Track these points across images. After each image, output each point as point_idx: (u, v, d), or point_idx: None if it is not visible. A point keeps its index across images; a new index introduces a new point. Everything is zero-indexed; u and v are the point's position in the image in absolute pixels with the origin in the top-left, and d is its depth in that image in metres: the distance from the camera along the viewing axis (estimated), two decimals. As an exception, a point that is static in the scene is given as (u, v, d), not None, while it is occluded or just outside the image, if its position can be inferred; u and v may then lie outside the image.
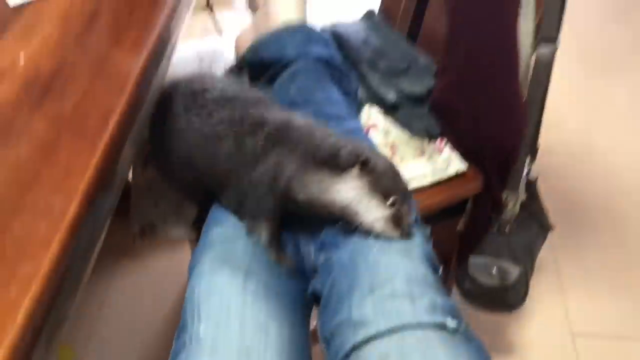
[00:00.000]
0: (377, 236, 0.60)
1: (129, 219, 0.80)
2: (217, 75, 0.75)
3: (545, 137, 0.94)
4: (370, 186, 0.60)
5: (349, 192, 0.60)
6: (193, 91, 0.70)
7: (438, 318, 0.52)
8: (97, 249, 0.50)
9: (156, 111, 0.70)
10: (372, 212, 0.60)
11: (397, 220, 0.60)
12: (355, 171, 0.60)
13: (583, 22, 2.14)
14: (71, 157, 0.47)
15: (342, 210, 0.60)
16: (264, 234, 0.66)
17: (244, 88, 0.72)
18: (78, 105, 0.50)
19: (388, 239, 0.60)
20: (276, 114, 0.67)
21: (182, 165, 0.72)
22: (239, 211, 0.68)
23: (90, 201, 0.46)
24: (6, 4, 0.61)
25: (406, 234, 0.60)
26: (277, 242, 0.67)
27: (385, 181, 0.60)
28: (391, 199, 0.60)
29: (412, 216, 0.62)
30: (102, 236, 0.51)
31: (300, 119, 0.67)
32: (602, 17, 2.23)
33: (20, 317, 0.37)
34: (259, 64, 0.83)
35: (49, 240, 0.42)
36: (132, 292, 1.31)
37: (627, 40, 2.11)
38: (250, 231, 0.66)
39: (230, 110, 0.67)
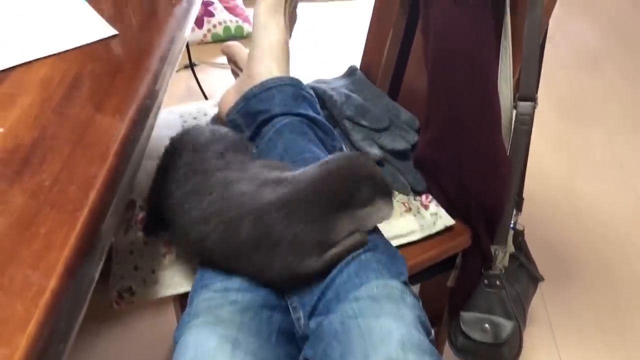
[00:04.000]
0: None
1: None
2: (205, 151, 0.74)
3: (528, 186, 0.95)
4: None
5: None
6: (185, 173, 0.70)
7: (436, 387, 0.50)
8: (78, 324, 0.48)
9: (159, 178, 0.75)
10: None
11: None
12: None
13: (557, 72, 2.21)
14: (50, 231, 0.45)
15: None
16: None
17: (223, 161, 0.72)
18: (58, 176, 0.49)
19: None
20: (264, 194, 0.65)
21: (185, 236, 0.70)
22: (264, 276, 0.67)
23: (71, 276, 0.44)
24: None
25: None
26: None
27: None
28: None
29: None
30: (84, 310, 0.49)
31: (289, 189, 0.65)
32: (575, 67, 2.30)
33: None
34: (246, 114, 0.83)
35: (26, 320, 0.40)
36: (116, 359, 1.26)
37: (599, 89, 2.18)
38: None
39: (212, 198, 0.66)
